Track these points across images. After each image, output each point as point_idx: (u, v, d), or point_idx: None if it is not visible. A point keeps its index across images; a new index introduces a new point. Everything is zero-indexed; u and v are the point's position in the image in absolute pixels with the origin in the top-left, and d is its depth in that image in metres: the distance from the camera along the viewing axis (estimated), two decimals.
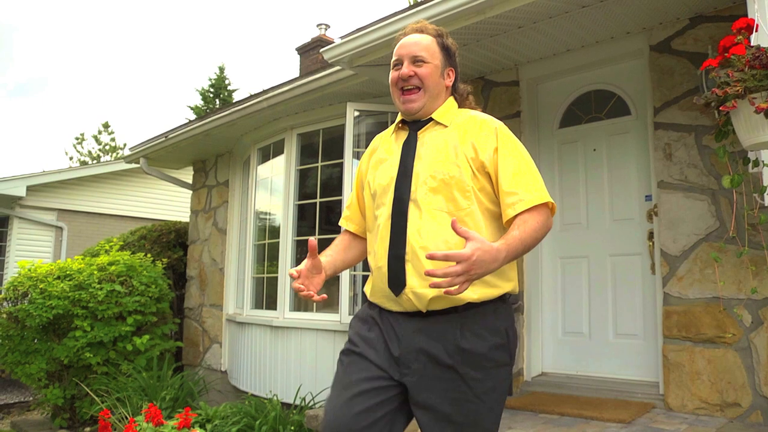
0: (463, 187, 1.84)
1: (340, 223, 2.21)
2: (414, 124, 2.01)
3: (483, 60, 4.53)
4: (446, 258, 1.54)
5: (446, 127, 1.96)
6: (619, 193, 4.31)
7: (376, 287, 1.93)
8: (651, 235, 4.01)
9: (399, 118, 2.06)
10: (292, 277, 1.91)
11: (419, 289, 1.81)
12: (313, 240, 1.90)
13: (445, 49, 2.02)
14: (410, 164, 1.92)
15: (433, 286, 1.59)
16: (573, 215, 4.51)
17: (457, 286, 1.55)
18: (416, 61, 1.96)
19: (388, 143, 2.07)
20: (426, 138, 1.96)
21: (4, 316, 5.96)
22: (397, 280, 1.85)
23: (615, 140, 4.38)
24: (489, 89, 4.78)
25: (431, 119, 1.98)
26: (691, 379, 3.56)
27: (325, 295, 1.94)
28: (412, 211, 1.87)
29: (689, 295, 3.63)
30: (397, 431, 1.85)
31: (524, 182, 1.83)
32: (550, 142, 4.67)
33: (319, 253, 1.99)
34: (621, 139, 4.34)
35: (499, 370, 1.82)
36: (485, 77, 4.82)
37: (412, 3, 13.59)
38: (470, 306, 1.80)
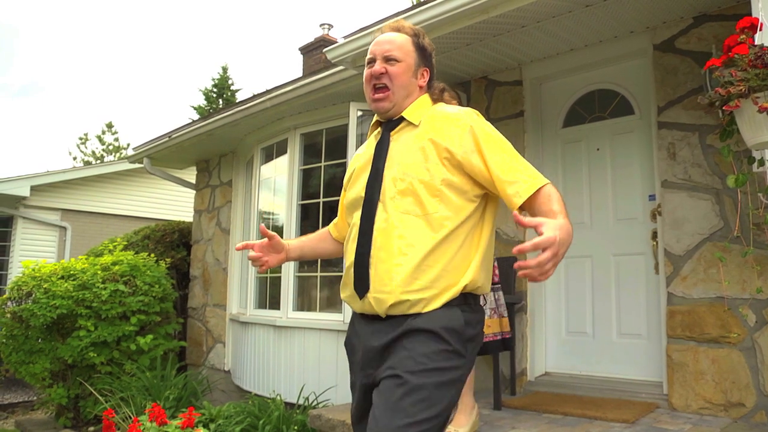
0: (432, 190, 1.81)
1: (327, 228, 2.30)
2: (387, 124, 1.99)
3: (486, 59, 4.52)
4: (535, 247, 1.51)
5: (417, 126, 1.92)
6: (622, 193, 4.30)
7: (346, 286, 1.94)
8: (655, 235, 4.00)
9: (375, 117, 2.05)
10: (245, 248, 2.10)
11: (379, 294, 1.81)
12: (262, 225, 2.04)
13: (421, 49, 2.00)
14: (381, 166, 1.91)
15: (524, 276, 1.53)
16: (576, 215, 4.50)
17: (547, 272, 1.52)
18: (389, 59, 1.95)
19: (367, 146, 2.07)
20: (399, 138, 1.94)
21: (9, 315, 5.98)
22: (361, 282, 1.85)
23: (619, 140, 4.37)
24: (492, 89, 4.78)
25: (403, 118, 1.96)
26: (695, 379, 3.55)
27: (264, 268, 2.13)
28: (380, 214, 1.86)
29: (693, 294, 3.62)
30: None
31: (519, 171, 1.80)
32: (554, 142, 4.66)
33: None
34: (625, 139, 4.33)
35: (448, 354, 1.77)
36: (488, 77, 4.82)
37: (414, 2, 13.59)
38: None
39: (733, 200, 3.50)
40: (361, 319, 1.92)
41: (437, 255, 1.79)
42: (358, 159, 2.08)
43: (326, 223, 6.07)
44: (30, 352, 6.03)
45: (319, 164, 5.94)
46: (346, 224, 2.16)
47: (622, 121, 4.36)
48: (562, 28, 3.98)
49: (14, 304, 5.99)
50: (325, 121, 5.87)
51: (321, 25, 10.85)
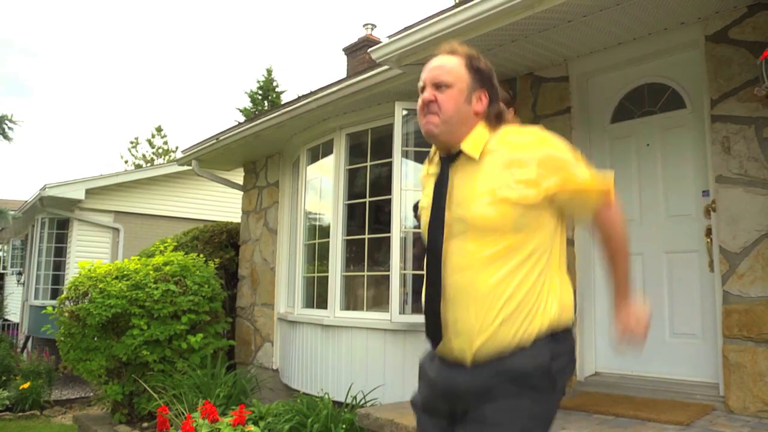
0: (495, 227, 1.73)
1: None
2: (446, 159, 1.88)
3: (531, 56, 4.47)
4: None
5: (476, 160, 1.80)
6: (674, 189, 4.20)
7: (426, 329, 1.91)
8: (709, 232, 3.89)
9: (434, 148, 1.96)
10: None
11: (452, 344, 1.78)
12: None
13: (476, 71, 1.86)
14: (442, 206, 1.82)
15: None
16: (626, 211, 4.39)
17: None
18: (438, 85, 1.84)
19: (430, 175, 1.96)
20: (458, 174, 1.84)
21: (67, 314, 6.17)
22: (434, 332, 1.82)
23: (670, 134, 4.26)
24: (538, 85, 4.71)
25: (461, 152, 1.84)
26: (753, 381, 3.43)
27: None
28: (446, 258, 1.79)
29: (750, 293, 3.50)
30: None
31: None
32: (602, 138, 4.57)
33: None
34: (676, 134, 4.23)
35: (537, 393, 1.73)
36: (534, 73, 4.76)
37: (458, 0, 13.49)
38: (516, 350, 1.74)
39: None
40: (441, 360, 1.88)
41: (506, 297, 1.73)
42: (425, 191, 1.99)
43: (373, 222, 6.10)
44: (87, 350, 6.22)
45: (365, 164, 5.95)
46: None
47: (674, 115, 4.25)
48: (610, 21, 3.90)
49: (72, 304, 6.18)
50: (370, 120, 5.89)
51: (364, 25, 10.89)
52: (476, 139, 1.83)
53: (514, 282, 1.73)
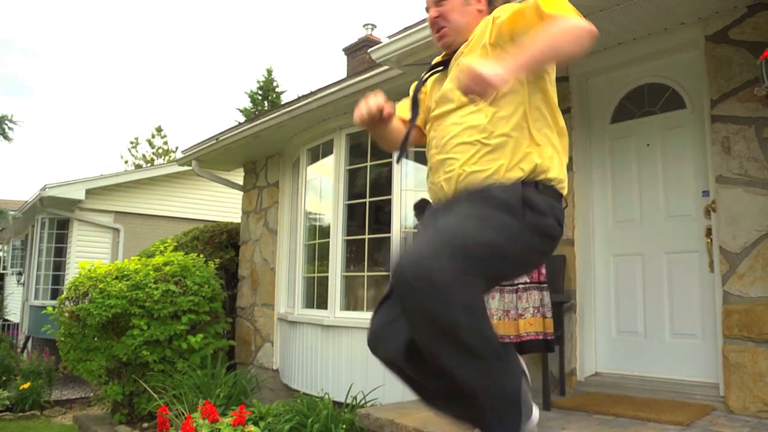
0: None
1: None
2: (452, 56, 2.08)
3: None
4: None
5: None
6: (674, 189, 4.20)
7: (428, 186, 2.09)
8: (709, 232, 3.89)
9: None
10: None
11: (443, 180, 1.94)
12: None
13: None
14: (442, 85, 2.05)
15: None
16: (626, 212, 4.41)
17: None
18: (438, 1, 2.06)
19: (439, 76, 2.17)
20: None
21: (67, 315, 6.17)
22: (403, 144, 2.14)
23: (670, 135, 4.26)
24: None
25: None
26: (753, 381, 3.43)
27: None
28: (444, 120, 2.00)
29: (751, 293, 3.50)
30: None
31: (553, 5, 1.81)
32: (602, 138, 4.57)
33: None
34: (676, 134, 4.23)
35: (503, 211, 1.79)
36: None
37: None
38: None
39: None
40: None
41: (488, 135, 1.88)
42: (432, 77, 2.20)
43: (373, 222, 6.09)
44: (87, 350, 6.22)
45: (365, 164, 5.95)
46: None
47: (674, 115, 4.25)
48: (610, 21, 3.90)
49: (72, 304, 6.19)
50: None
51: (364, 25, 10.89)
52: (476, 30, 2.01)
53: (497, 123, 1.88)
